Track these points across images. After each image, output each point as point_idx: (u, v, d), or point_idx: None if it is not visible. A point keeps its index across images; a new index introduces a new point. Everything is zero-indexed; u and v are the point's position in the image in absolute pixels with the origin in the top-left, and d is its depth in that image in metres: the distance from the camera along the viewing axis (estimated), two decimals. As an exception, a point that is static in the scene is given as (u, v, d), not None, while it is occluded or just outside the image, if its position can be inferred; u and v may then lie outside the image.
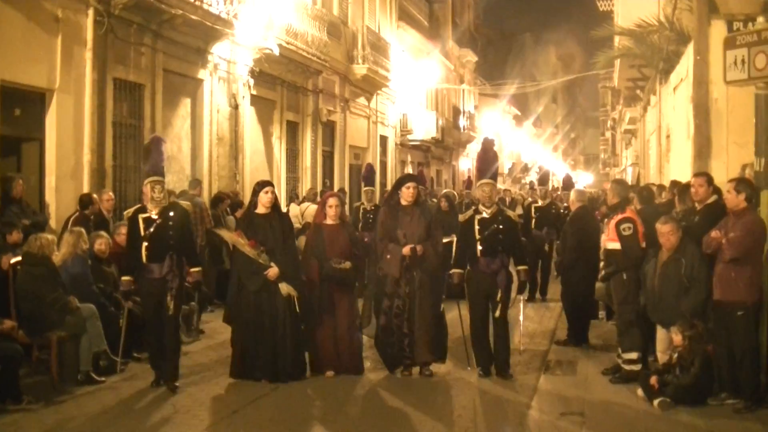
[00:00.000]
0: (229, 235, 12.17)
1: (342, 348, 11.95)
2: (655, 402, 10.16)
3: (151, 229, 11.16)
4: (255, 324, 11.44)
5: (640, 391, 10.60)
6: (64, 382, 11.06)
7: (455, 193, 25.43)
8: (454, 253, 12.91)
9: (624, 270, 11.71)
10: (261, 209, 11.71)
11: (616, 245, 11.92)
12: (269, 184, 12.08)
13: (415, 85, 39.89)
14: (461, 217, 12.52)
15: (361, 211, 19.53)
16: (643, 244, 11.66)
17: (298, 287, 11.59)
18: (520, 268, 12.37)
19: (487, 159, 12.76)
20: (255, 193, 11.87)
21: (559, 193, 25.91)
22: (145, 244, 11.16)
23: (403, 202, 12.10)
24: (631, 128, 38.57)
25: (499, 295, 11.82)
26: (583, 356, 13.30)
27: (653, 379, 10.43)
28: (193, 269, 11.59)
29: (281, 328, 11.45)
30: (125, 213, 12.06)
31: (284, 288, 11.41)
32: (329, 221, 12.11)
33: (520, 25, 78.35)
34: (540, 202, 20.39)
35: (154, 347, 11.44)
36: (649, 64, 23.72)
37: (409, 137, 40.33)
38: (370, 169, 16.61)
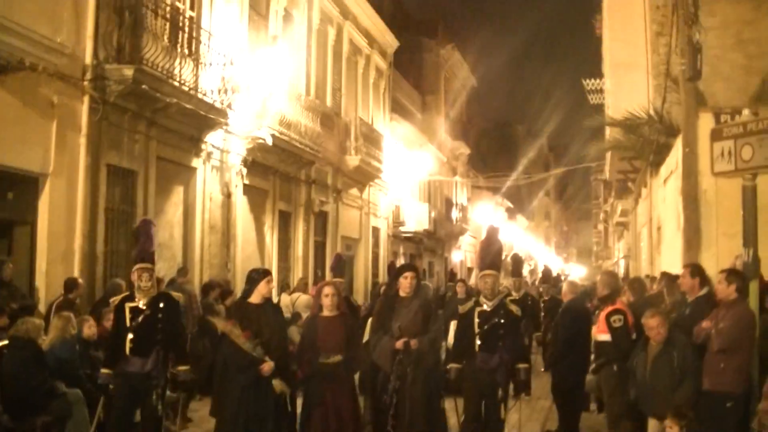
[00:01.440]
0: (222, 324, 10.60)
1: None
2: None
3: (138, 320, 10.58)
4: (243, 421, 10.19)
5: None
6: None
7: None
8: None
9: (614, 362, 11.66)
10: (256, 299, 10.57)
11: (606, 337, 11.91)
12: (269, 273, 11.02)
13: (408, 177, 40.08)
14: (461, 309, 11.91)
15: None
16: (634, 336, 11.62)
17: (290, 384, 10.68)
18: (521, 366, 11.55)
19: (491, 248, 12.04)
20: (253, 281, 10.65)
21: (535, 283, 25.98)
22: (129, 335, 10.55)
23: (402, 293, 11.37)
24: (623, 220, 38.67)
25: (499, 395, 11.28)
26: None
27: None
28: (181, 367, 11.05)
29: (270, 428, 10.32)
30: (111, 300, 11.34)
31: (278, 385, 10.35)
32: (326, 312, 10.99)
33: (512, 116, 79.06)
34: (514, 294, 20.33)
35: None
36: (639, 156, 23.86)
37: (402, 229, 40.40)
38: (339, 258, 16.02)
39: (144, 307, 10.71)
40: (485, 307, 11.49)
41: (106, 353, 11.25)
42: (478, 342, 11.37)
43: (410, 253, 43.00)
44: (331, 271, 16.06)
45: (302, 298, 20.97)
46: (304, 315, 16.18)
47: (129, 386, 10.57)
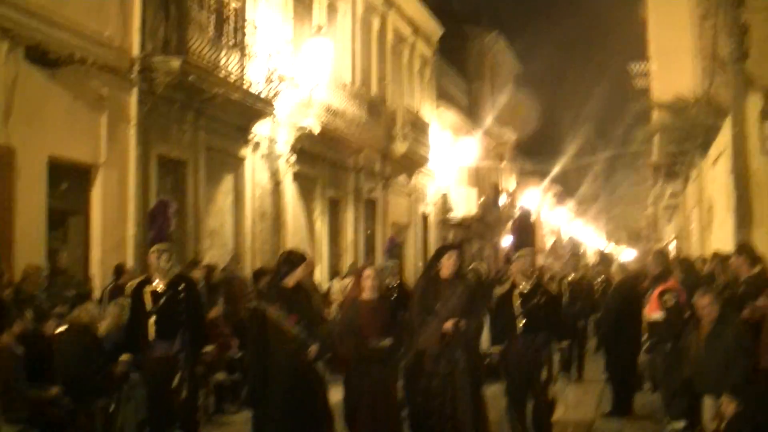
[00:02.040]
0: (271, 310, 9.86)
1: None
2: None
3: (160, 303, 10.21)
4: (289, 409, 9.69)
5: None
6: None
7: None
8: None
9: (667, 340, 11.64)
10: (289, 282, 10.02)
11: (659, 316, 11.90)
12: (306, 258, 10.56)
13: (455, 163, 40.03)
14: (498, 290, 11.52)
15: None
16: (686, 314, 11.59)
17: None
18: (563, 344, 11.65)
19: (524, 229, 11.97)
20: (293, 264, 10.10)
21: (592, 265, 25.78)
22: (153, 318, 10.20)
23: (444, 274, 10.83)
24: (672, 203, 38.37)
25: (544, 375, 11.04)
26: (630, 426, 13.20)
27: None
28: (205, 349, 10.78)
29: (319, 412, 9.89)
30: (127, 285, 11.04)
31: (321, 368, 10.08)
32: (366, 295, 10.59)
33: (559, 102, 78.58)
34: (572, 276, 20.23)
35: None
36: (687, 138, 23.70)
37: (450, 215, 40.35)
38: (393, 241, 15.67)
39: (164, 289, 10.36)
40: (523, 287, 11.24)
41: (125, 339, 10.82)
42: (521, 323, 11.07)
43: (459, 239, 42.95)
44: (385, 254, 15.74)
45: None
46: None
47: (157, 371, 10.22)
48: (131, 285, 10.72)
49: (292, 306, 9.91)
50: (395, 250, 13.20)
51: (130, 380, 10.99)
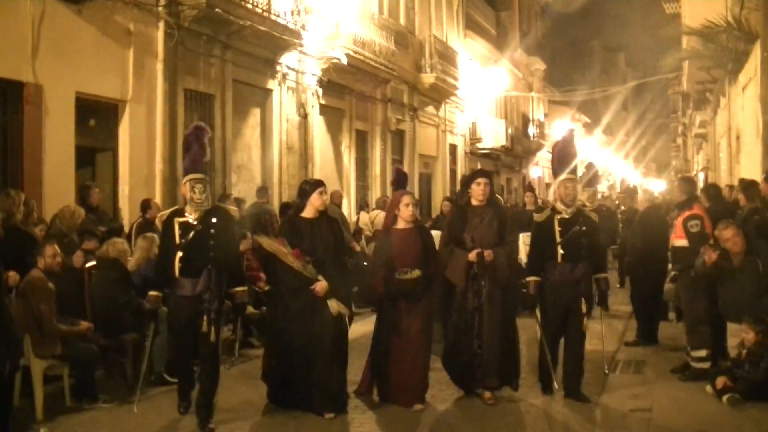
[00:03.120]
0: (269, 243, 9.81)
1: (405, 375, 10.14)
2: (724, 398, 10.07)
3: (189, 237, 9.36)
4: (298, 348, 9.63)
5: (709, 388, 10.51)
6: (138, 382, 10.34)
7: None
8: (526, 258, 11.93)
9: (692, 267, 11.63)
10: (309, 213, 9.85)
11: (683, 242, 11.85)
12: (322, 183, 10.10)
13: (484, 94, 39.88)
14: (537, 217, 10.86)
15: None
16: (712, 241, 11.58)
17: (349, 304, 9.90)
18: (600, 275, 10.78)
19: (567, 152, 11.12)
20: (304, 193, 9.96)
21: (611, 195, 25.62)
22: (179, 254, 9.39)
23: (474, 202, 10.49)
24: (701, 132, 38.16)
25: (583, 306, 10.47)
26: (653, 355, 13.25)
27: (720, 381, 10.35)
28: (237, 288, 9.80)
29: (328, 353, 9.60)
30: (159, 216, 10.31)
31: (334, 305, 9.56)
32: (401, 224, 10.25)
33: (587, 31, 77.77)
34: (588, 206, 20.15)
35: (185, 377, 9.91)
36: (717, 65, 23.54)
37: (479, 145, 40.25)
38: (399, 172, 14.56)
39: (195, 222, 9.44)
40: (564, 214, 10.54)
41: (154, 274, 10.14)
42: (561, 252, 10.41)
43: (490, 170, 42.87)
44: (392, 186, 14.55)
45: (381, 216, 21.11)
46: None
47: (181, 311, 9.49)
48: (162, 216, 9.94)
49: (303, 237, 9.67)
50: (403, 181, 12.31)
51: (159, 316, 10.41)
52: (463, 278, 10.22)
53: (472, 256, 10.15)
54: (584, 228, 10.46)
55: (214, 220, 9.51)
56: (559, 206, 10.66)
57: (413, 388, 10.13)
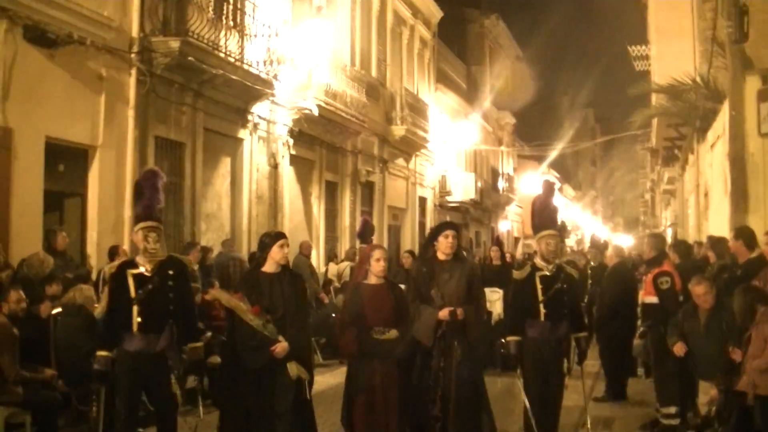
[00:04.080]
0: (227, 298, 8.99)
1: None
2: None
3: (147, 289, 8.77)
4: (254, 411, 8.75)
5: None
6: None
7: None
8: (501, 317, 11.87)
9: (662, 324, 11.64)
10: (270, 267, 9.02)
11: (653, 299, 11.90)
12: (282, 236, 9.27)
13: (454, 147, 40.09)
14: (517, 275, 10.48)
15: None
16: (681, 298, 11.61)
17: (310, 368, 9.04)
18: (581, 335, 10.48)
19: (548, 206, 10.71)
20: (264, 246, 9.13)
21: (580, 249, 25.65)
22: (136, 308, 8.72)
23: (441, 256, 9.80)
24: (669, 188, 38.49)
25: (565, 366, 10.30)
26: (622, 411, 13.25)
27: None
28: (191, 345, 9.18)
29: (285, 421, 8.74)
30: (106, 268, 9.72)
31: (293, 369, 8.72)
32: (373, 280, 9.44)
33: (558, 86, 78.69)
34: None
35: None
36: (686, 122, 23.75)
37: (448, 198, 40.38)
38: (366, 223, 13.65)
39: (150, 274, 8.88)
40: (545, 271, 10.23)
41: (102, 332, 9.30)
42: (543, 310, 10.10)
43: (458, 223, 42.97)
44: (357, 238, 13.28)
45: (350, 268, 21.07)
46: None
47: (135, 369, 8.78)
48: (111, 267, 9.30)
49: (263, 294, 8.85)
50: (369, 232, 10.91)
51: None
52: (431, 337, 9.54)
53: (443, 314, 9.48)
54: (565, 286, 10.20)
55: (171, 272, 9.01)
56: (540, 263, 10.36)
57: None
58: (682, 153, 29.26)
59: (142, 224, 9.01)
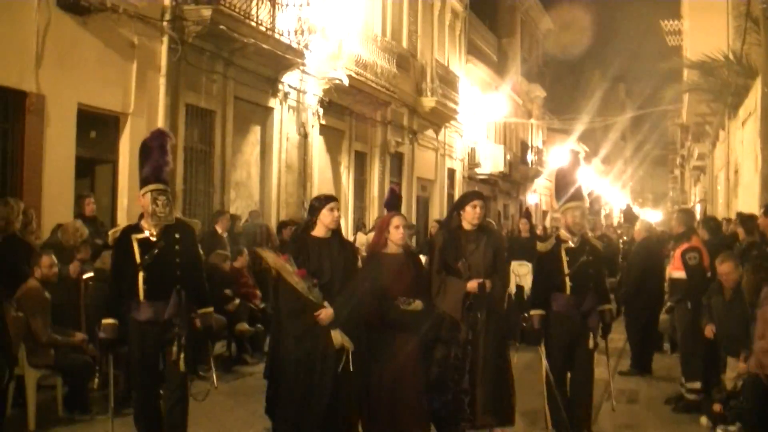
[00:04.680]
0: (273, 259, 8.55)
1: (403, 411, 8.93)
2: (719, 430, 10.09)
3: (153, 254, 8.31)
4: (296, 379, 8.29)
5: (703, 420, 10.52)
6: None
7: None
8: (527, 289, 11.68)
9: (689, 299, 11.65)
10: (319, 231, 8.59)
11: (681, 274, 11.89)
12: (334, 199, 8.85)
13: (483, 119, 39.97)
14: (542, 247, 10.10)
15: None
16: (709, 274, 11.60)
17: (355, 338, 8.46)
18: (606, 307, 10.05)
19: (573, 177, 10.35)
20: (314, 209, 8.70)
21: (617, 225, 25.55)
22: (142, 275, 8.27)
23: (467, 226, 9.47)
24: (699, 165, 38.28)
25: (591, 341, 9.74)
26: (646, 386, 13.26)
27: (717, 406, 10.35)
28: (202, 309, 8.70)
29: (328, 389, 8.28)
30: (110, 233, 8.99)
31: (337, 337, 8.24)
32: (392, 248, 9.14)
33: (589, 59, 77.84)
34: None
35: (151, 424, 8.54)
36: (717, 98, 23.64)
37: (477, 170, 40.30)
38: (393, 193, 13.31)
39: (156, 239, 8.40)
40: (570, 243, 9.84)
41: (108, 299, 8.79)
42: (569, 284, 9.72)
43: (485, 195, 42.88)
44: (385, 207, 12.66)
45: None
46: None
47: (147, 340, 8.36)
48: (114, 232, 8.76)
49: (311, 257, 8.40)
50: (397, 202, 10.49)
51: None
52: (459, 309, 9.21)
53: (471, 285, 9.16)
54: (591, 258, 9.81)
55: (177, 235, 8.49)
56: (565, 235, 9.96)
57: (415, 427, 8.97)
58: (713, 129, 29.13)
59: (151, 186, 8.45)
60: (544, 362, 9.83)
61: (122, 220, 15.62)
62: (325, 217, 8.56)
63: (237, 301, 14.35)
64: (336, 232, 8.72)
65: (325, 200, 8.71)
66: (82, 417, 10.32)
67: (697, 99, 25.99)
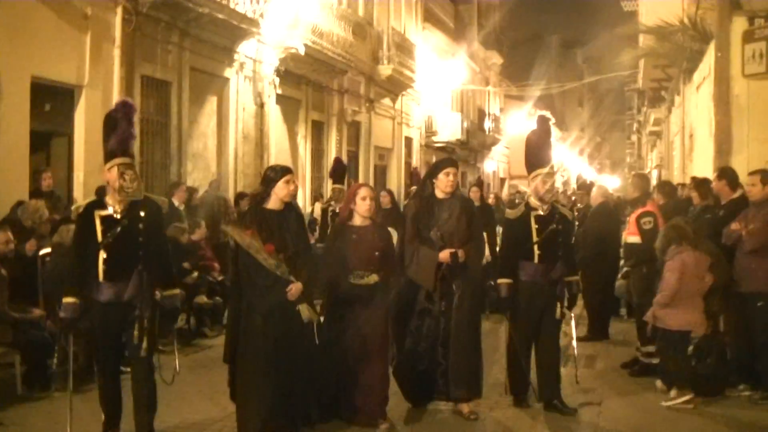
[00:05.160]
0: (241, 236, 8.19)
1: (366, 389, 8.86)
2: (671, 392, 10.24)
3: (114, 233, 7.91)
4: (266, 360, 8.08)
5: (659, 383, 10.67)
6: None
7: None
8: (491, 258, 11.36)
9: (644, 264, 11.76)
10: (274, 204, 8.36)
11: (636, 239, 11.99)
12: (290, 171, 8.61)
13: (441, 87, 39.94)
14: (510, 214, 9.97)
15: (330, 213, 17.18)
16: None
17: (319, 310, 8.59)
18: (573, 278, 9.96)
19: (543, 141, 10.08)
20: (269, 181, 8.41)
21: (566, 191, 25.61)
22: (103, 254, 7.90)
23: (440, 194, 9.45)
24: (655, 130, 38.56)
25: (558, 311, 9.65)
26: (603, 351, 13.41)
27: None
28: (168, 291, 8.35)
29: (300, 363, 8.24)
30: (74, 208, 8.84)
31: (305, 311, 8.16)
32: (358, 220, 9.00)
33: (545, 27, 78.03)
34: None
35: (114, 405, 8.29)
36: (673, 63, 23.78)
37: (434, 138, 40.33)
38: (338, 162, 12.94)
39: (120, 216, 7.99)
40: (540, 211, 9.68)
41: (68, 277, 8.28)
42: (538, 252, 9.57)
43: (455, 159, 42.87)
44: (330, 177, 11.62)
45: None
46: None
47: (108, 322, 8.06)
48: (78, 208, 8.40)
49: (273, 232, 8.21)
50: (341, 172, 9.55)
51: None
52: (432, 280, 9.22)
53: (444, 255, 9.18)
54: (560, 226, 9.67)
55: (142, 213, 8.06)
56: (534, 202, 9.76)
57: (374, 403, 8.84)
58: (669, 94, 29.33)
59: (118, 160, 7.96)
60: (509, 331, 9.83)
61: (78, 194, 15.56)
62: (280, 189, 8.34)
63: (195, 274, 14.34)
64: (288, 203, 8.51)
65: (281, 172, 8.47)
66: (41, 394, 10.29)
67: (652, 64, 26.12)
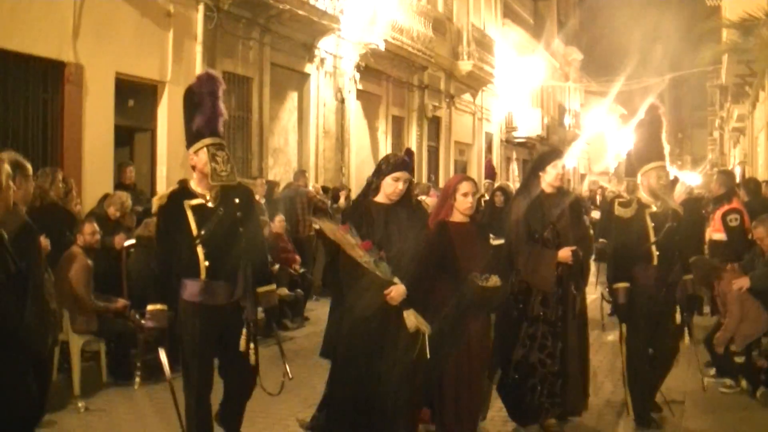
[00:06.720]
0: (332, 230, 6.98)
1: (466, 399, 7.67)
2: (758, 392, 10.07)
3: (212, 223, 6.80)
4: (363, 366, 6.84)
5: (744, 383, 10.51)
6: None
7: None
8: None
9: (729, 261, 11.56)
10: (382, 198, 7.11)
11: (721, 236, 11.84)
12: (403, 168, 7.16)
13: (520, 83, 39.78)
14: (622, 212, 8.84)
15: None
16: (750, 236, 11.51)
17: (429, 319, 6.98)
18: (687, 277, 8.99)
19: (655, 131, 9.03)
20: (380, 173, 7.11)
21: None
22: (202, 250, 6.77)
23: (548, 189, 8.57)
24: (739, 126, 37.91)
25: (678, 316, 8.78)
26: (684, 349, 13.20)
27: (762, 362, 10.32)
28: (262, 288, 7.13)
29: (397, 377, 6.82)
30: (155, 199, 7.19)
31: (411, 318, 6.78)
32: (458, 217, 7.79)
33: (627, 21, 77.21)
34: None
35: (200, 418, 7.02)
36: (757, 58, 23.36)
37: (515, 134, 40.20)
38: (409, 153, 12.29)
39: (214, 205, 6.88)
40: (654, 208, 8.71)
41: (157, 281, 7.02)
42: (656, 253, 8.63)
43: (522, 159, 42.81)
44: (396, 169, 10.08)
45: (426, 201, 20.99)
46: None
47: (204, 326, 6.83)
48: (161, 198, 7.05)
49: (376, 227, 7.01)
50: (408, 165, 8.65)
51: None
52: (552, 282, 8.40)
53: (565, 254, 8.35)
54: (675, 224, 8.68)
55: (237, 200, 6.96)
56: (647, 199, 8.78)
57: (473, 415, 7.84)
58: (753, 90, 28.80)
59: (207, 141, 6.83)
60: (627, 342, 8.93)
61: (161, 189, 15.70)
62: (387, 186, 7.06)
63: (276, 266, 14.43)
64: (406, 198, 7.24)
65: (393, 167, 7.12)
66: (126, 382, 10.44)
67: (736, 59, 25.69)
